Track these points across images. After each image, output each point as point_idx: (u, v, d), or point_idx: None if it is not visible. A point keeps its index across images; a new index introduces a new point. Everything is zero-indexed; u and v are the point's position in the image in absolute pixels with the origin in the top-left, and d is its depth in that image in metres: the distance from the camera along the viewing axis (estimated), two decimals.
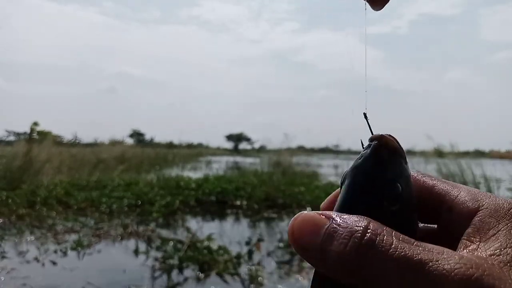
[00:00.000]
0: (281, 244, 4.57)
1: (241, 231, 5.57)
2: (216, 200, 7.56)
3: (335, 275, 0.22)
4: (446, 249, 0.22)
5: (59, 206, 6.55)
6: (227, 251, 4.08)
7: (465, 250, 0.23)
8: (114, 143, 16.97)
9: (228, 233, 5.32)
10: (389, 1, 0.31)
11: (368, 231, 0.22)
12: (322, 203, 0.30)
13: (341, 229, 0.23)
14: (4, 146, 11.67)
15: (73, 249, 4.31)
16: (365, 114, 0.29)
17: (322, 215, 0.24)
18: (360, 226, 0.22)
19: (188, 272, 3.69)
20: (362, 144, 0.28)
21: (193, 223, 5.99)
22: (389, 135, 0.27)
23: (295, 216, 0.25)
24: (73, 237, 4.84)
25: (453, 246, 0.24)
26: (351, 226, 0.22)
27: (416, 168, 0.31)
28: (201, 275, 3.62)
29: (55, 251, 4.23)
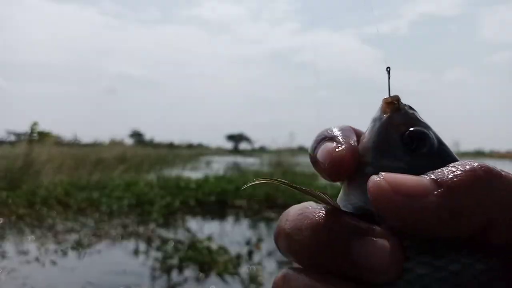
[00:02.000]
0: None
1: (241, 231, 5.57)
2: (216, 200, 7.56)
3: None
4: None
5: (59, 206, 6.54)
6: (227, 251, 4.09)
7: None
8: (114, 143, 16.98)
9: (228, 233, 5.32)
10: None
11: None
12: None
13: None
14: (4, 147, 11.67)
15: (73, 249, 4.31)
16: (388, 70, 0.28)
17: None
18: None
19: (188, 272, 3.69)
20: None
21: (193, 223, 5.99)
22: (396, 103, 0.27)
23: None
24: (73, 237, 4.84)
25: None
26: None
27: None
28: (201, 275, 3.62)
29: (55, 251, 4.24)
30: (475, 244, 0.22)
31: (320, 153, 0.26)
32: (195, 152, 32.54)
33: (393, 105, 0.26)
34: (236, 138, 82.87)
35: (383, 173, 0.22)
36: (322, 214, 0.23)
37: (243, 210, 7.14)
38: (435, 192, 0.21)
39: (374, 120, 0.27)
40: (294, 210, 0.25)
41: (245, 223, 6.27)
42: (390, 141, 0.26)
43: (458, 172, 0.22)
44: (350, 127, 0.28)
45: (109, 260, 4.13)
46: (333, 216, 0.23)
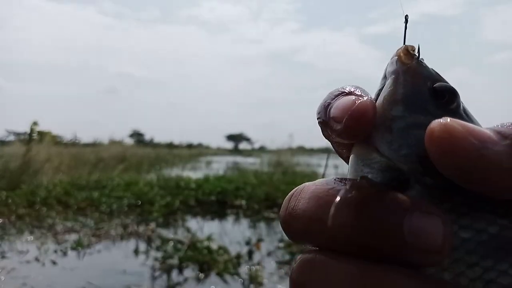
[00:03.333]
0: (281, 244, 4.57)
1: (241, 231, 5.57)
2: (216, 200, 7.56)
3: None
4: None
5: (58, 206, 6.54)
6: (227, 251, 4.09)
7: None
8: (114, 143, 16.97)
9: (228, 233, 5.32)
10: None
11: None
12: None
13: None
14: (4, 146, 11.67)
15: (73, 249, 4.31)
16: (406, 17, 0.26)
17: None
18: None
19: (188, 272, 3.69)
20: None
21: (193, 223, 5.99)
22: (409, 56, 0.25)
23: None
24: (73, 237, 4.84)
25: None
26: None
27: None
28: (201, 275, 3.62)
29: (55, 251, 4.23)
30: (507, 204, 0.21)
31: (336, 108, 0.23)
32: (195, 152, 32.53)
33: (414, 56, 0.25)
34: (236, 138, 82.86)
35: (447, 117, 0.20)
36: (360, 189, 0.20)
37: (243, 210, 7.14)
38: (503, 143, 0.19)
39: (395, 72, 0.25)
40: (312, 188, 0.22)
41: (245, 223, 6.26)
42: (419, 93, 0.24)
43: None
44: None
45: (109, 260, 4.13)
46: (374, 190, 0.20)
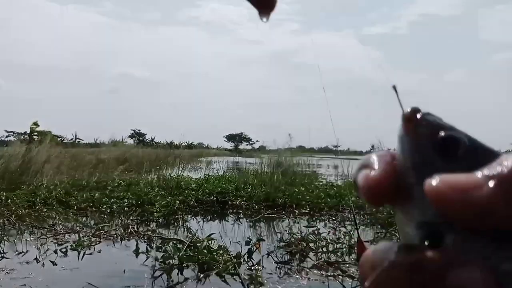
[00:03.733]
0: (281, 244, 4.57)
1: (241, 231, 5.57)
2: (216, 200, 7.57)
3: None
4: None
5: (59, 207, 6.55)
6: (227, 251, 4.08)
7: None
8: (115, 143, 16.98)
9: (228, 233, 5.32)
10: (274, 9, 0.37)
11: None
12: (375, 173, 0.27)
13: None
14: (4, 146, 11.66)
15: (73, 249, 4.30)
16: (394, 87, 0.28)
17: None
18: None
19: (188, 272, 3.69)
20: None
21: (193, 223, 6.00)
22: (415, 115, 0.26)
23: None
24: (73, 237, 4.84)
25: None
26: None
27: None
28: (201, 275, 3.62)
29: (55, 251, 4.22)
30: None
31: (359, 180, 0.27)
32: (195, 152, 32.55)
33: (414, 121, 0.26)
34: (236, 138, 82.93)
35: (438, 177, 0.23)
36: (402, 256, 0.24)
37: (243, 210, 7.14)
38: (488, 185, 0.22)
39: (401, 140, 0.27)
40: (373, 257, 0.25)
41: (245, 223, 6.26)
42: (426, 157, 0.25)
43: (507, 164, 0.22)
44: (389, 151, 0.29)
45: (109, 260, 4.13)
46: (413, 255, 0.23)
